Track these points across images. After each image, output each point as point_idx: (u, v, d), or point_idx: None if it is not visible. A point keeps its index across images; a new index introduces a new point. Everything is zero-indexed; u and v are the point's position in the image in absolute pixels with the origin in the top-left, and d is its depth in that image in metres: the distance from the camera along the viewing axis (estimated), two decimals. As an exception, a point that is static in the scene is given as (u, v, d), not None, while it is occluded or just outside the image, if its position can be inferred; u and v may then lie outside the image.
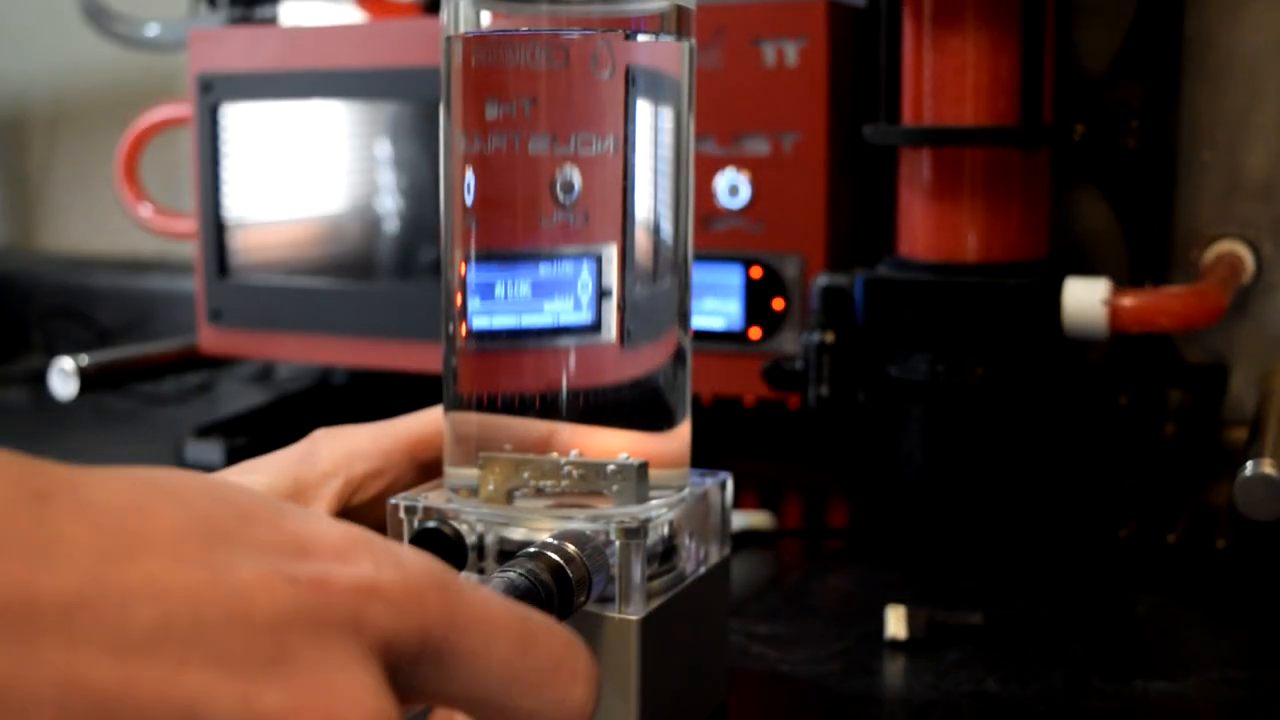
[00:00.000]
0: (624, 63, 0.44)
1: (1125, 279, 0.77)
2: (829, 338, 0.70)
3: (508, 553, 0.44)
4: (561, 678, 0.30)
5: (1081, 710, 0.50)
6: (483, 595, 0.30)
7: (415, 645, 0.28)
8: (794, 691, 0.53)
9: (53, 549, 0.24)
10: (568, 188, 0.44)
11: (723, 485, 0.49)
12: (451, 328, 0.46)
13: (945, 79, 0.69)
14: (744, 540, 0.70)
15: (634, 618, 0.42)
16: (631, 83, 0.44)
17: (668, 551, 0.46)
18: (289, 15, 0.99)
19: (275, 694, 0.25)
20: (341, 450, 0.48)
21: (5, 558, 0.23)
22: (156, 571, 0.24)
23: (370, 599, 0.27)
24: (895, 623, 0.56)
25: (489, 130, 0.44)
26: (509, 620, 0.30)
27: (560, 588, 0.39)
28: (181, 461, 0.90)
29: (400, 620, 0.27)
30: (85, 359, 0.91)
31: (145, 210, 1.02)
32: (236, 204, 0.95)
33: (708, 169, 0.79)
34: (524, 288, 0.45)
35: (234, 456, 0.88)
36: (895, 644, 0.56)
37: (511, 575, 0.38)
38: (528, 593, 0.38)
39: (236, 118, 0.94)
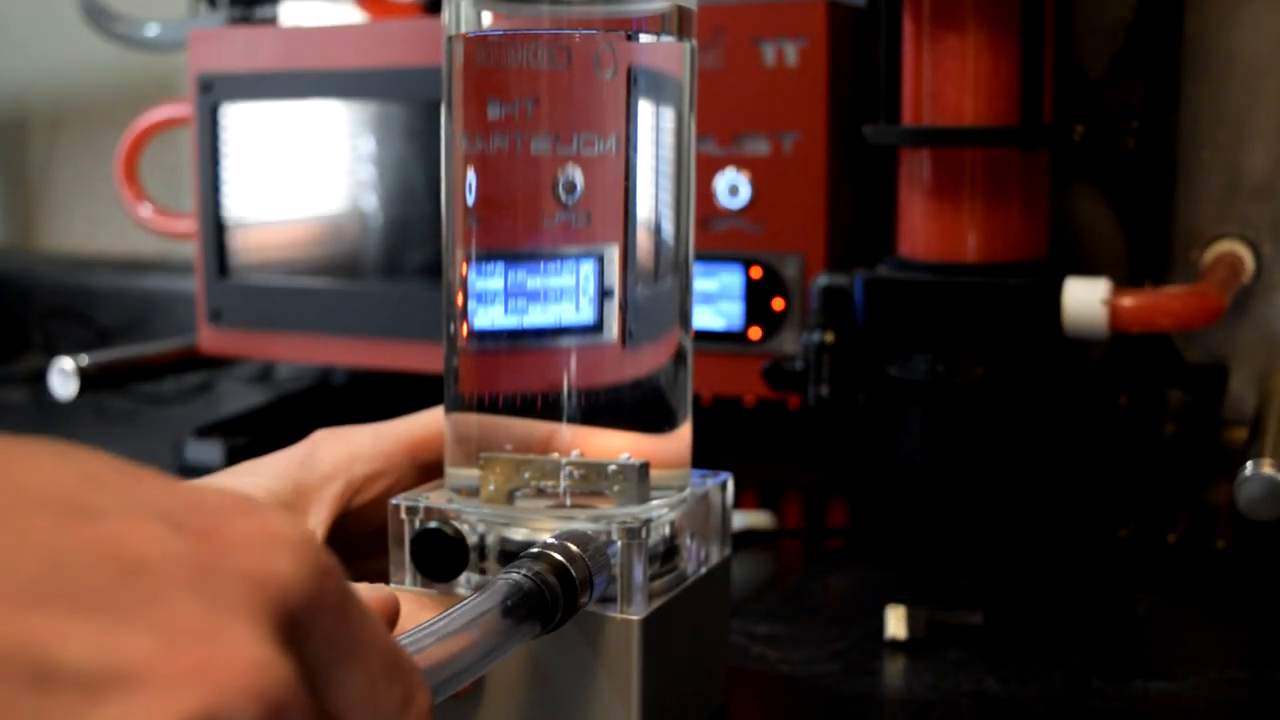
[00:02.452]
0: (626, 63, 0.44)
1: (1125, 279, 0.77)
2: (829, 338, 0.70)
3: (509, 553, 0.44)
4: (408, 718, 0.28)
5: (1081, 710, 0.50)
6: (369, 611, 0.28)
7: (309, 613, 0.25)
8: (794, 691, 0.53)
9: None
10: (570, 188, 0.44)
11: (723, 486, 0.49)
12: (453, 328, 0.46)
13: (945, 79, 0.69)
14: (744, 540, 0.70)
15: (635, 618, 0.42)
16: (634, 83, 0.44)
17: (669, 552, 0.46)
18: (289, 15, 0.99)
19: (140, 639, 0.22)
20: (342, 452, 0.48)
21: None
22: (10, 515, 0.23)
23: (272, 549, 0.25)
24: (895, 623, 0.56)
25: (491, 130, 0.44)
26: (386, 642, 0.28)
27: (564, 588, 0.39)
28: (182, 461, 0.90)
29: (303, 577, 0.25)
30: (85, 359, 0.91)
31: (145, 210, 1.02)
32: (236, 204, 0.95)
33: (708, 169, 0.79)
34: (526, 288, 0.45)
35: (234, 456, 0.88)
36: (895, 644, 0.56)
37: (516, 576, 0.38)
38: (532, 593, 0.38)
39: (236, 118, 0.94)
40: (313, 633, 0.25)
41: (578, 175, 0.44)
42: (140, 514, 0.24)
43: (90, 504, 0.24)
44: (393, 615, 0.39)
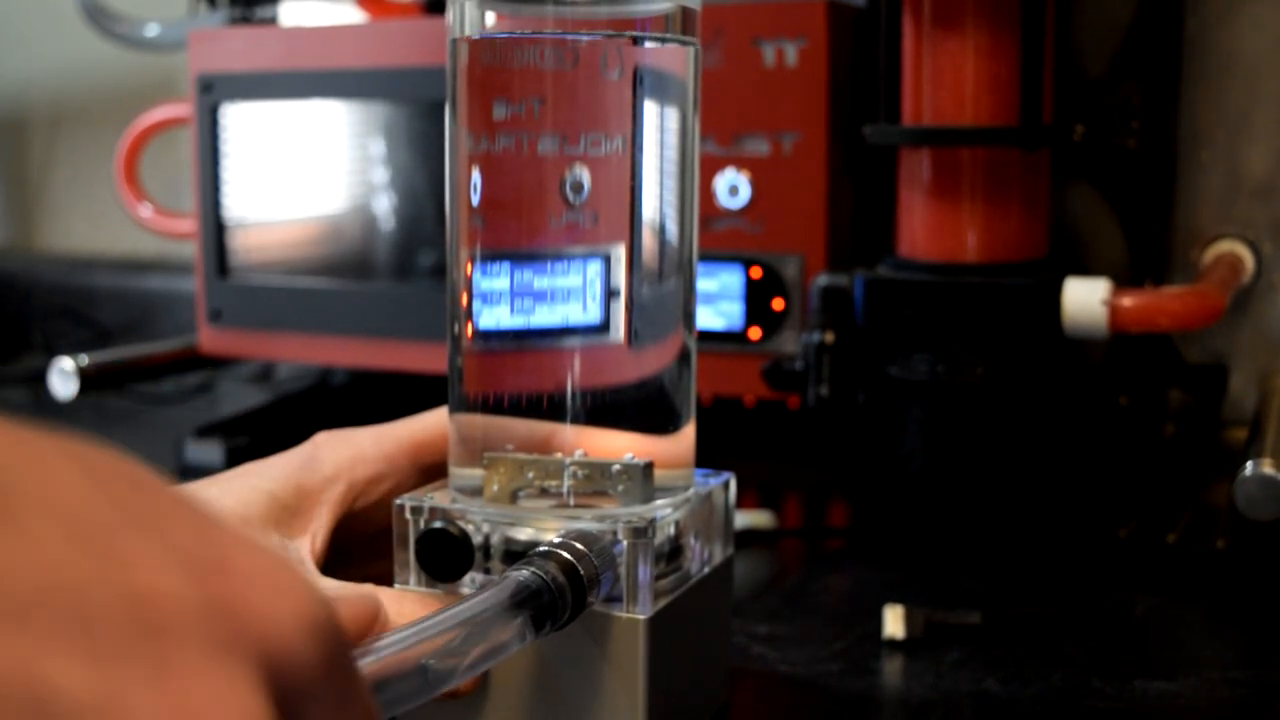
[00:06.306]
0: (632, 63, 0.44)
1: (1125, 279, 0.77)
2: (829, 338, 0.70)
3: (513, 553, 0.44)
4: None
5: (1081, 710, 0.50)
6: (366, 697, 0.27)
7: (302, 703, 0.24)
8: (794, 691, 0.53)
9: None
10: (577, 188, 0.44)
11: (726, 485, 0.49)
12: (457, 328, 0.46)
13: (945, 79, 0.69)
14: (745, 540, 0.70)
15: (641, 617, 0.42)
16: (639, 83, 0.44)
17: (674, 551, 0.46)
18: (289, 15, 0.99)
19: (143, 696, 0.21)
20: (344, 454, 0.48)
21: None
22: (43, 541, 0.22)
23: (286, 635, 0.24)
24: (893, 622, 0.56)
25: (496, 130, 0.44)
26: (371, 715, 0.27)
27: (572, 586, 0.39)
28: (182, 461, 0.90)
29: (306, 667, 0.24)
30: (85, 359, 0.91)
31: (145, 210, 1.02)
32: (236, 204, 0.95)
33: (708, 169, 0.79)
34: (532, 288, 0.45)
35: (234, 456, 0.88)
36: (894, 643, 0.56)
37: (524, 573, 0.39)
38: (540, 591, 0.38)
39: (236, 118, 0.94)
40: (310, 710, 0.25)
41: (585, 175, 0.44)
42: (171, 569, 0.23)
43: (120, 545, 0.23)
44: (373, 618, 0.40)
